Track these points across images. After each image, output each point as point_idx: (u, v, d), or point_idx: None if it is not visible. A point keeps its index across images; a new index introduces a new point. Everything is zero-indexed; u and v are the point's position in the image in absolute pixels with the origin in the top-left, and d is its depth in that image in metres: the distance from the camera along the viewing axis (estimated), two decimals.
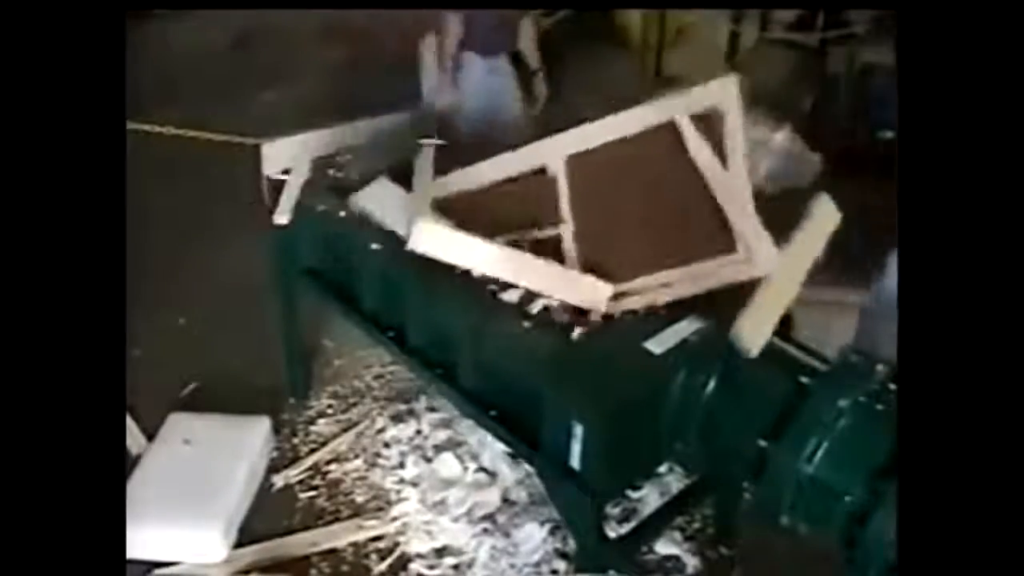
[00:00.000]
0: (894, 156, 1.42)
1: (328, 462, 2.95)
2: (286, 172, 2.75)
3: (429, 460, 2.91)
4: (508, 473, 2.85)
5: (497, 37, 3.63)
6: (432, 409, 3.10)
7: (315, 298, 2.85)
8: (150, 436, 2.89)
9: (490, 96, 3.65)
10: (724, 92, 2.19)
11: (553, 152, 2.30)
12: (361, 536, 2.70)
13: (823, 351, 2.08)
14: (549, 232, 2.29)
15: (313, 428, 3.08)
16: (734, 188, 2.12)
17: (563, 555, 2.60)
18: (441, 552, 2.64)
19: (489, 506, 2.75)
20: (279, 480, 2.87)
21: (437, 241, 2.24)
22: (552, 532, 2.65)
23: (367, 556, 2.65)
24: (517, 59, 3.80)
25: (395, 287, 2.42)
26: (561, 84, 5.14)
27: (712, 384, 1.99)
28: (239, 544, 2.64)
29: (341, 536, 2.70)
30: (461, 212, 2.33)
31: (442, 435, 2.99)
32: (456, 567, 2.60)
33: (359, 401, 3.20)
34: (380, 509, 2.78)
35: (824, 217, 2.22)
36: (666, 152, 2.17)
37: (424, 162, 2.60)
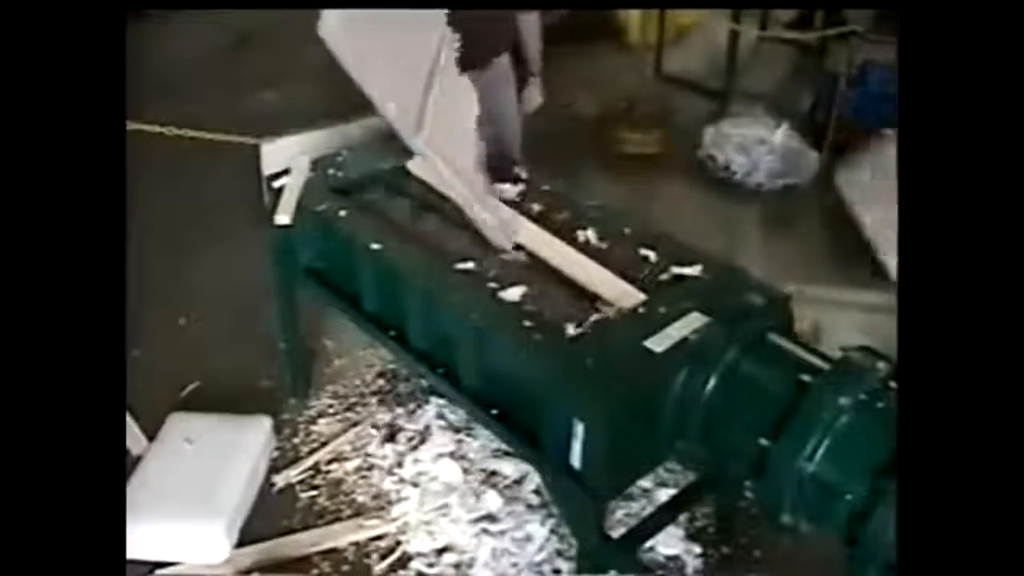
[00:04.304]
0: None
1: (329, 462, 2.95)
2: (286, 172, 2.75)
3: (430, 460, 2.91)
4: (509, 472, 2.85)
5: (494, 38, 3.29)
6: (433, 409, 3.09)
7: (315, 298, 2.86)
8: (150, 436, 2.89)
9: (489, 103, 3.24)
10: None
11: None
12: (362, 535, 2.70)
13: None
14: None
15: (314, 428, 3.08)
16: None
17: (565, 555, 2.60)
18: (442, 552, 2.65)
19: (490, 506, 2.75)
20: (280, 480, 2.87)
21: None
22: (553, 532, 2.65)
23: (368, 556, 2.65)
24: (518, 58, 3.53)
25: (395, 287, 2.42)
26: (561, 83, 5.16)
27: (713, 383, 1.99)
28: (240, 544, 2.64)
29: (342, 535, 2.69)
30: None
31: (443, 435, 2.99)
32: (457, 566, 2.60)
33: (360, 401, 3.20)
34: (381, 508, 2.78)
35: None
36: None
37: None
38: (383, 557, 2.64)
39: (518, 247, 2.47)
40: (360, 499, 2.82)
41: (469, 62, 3.11)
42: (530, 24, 3.35)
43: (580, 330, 2.16)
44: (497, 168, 2.81)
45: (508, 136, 3.35)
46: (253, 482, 2.80)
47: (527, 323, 2.18)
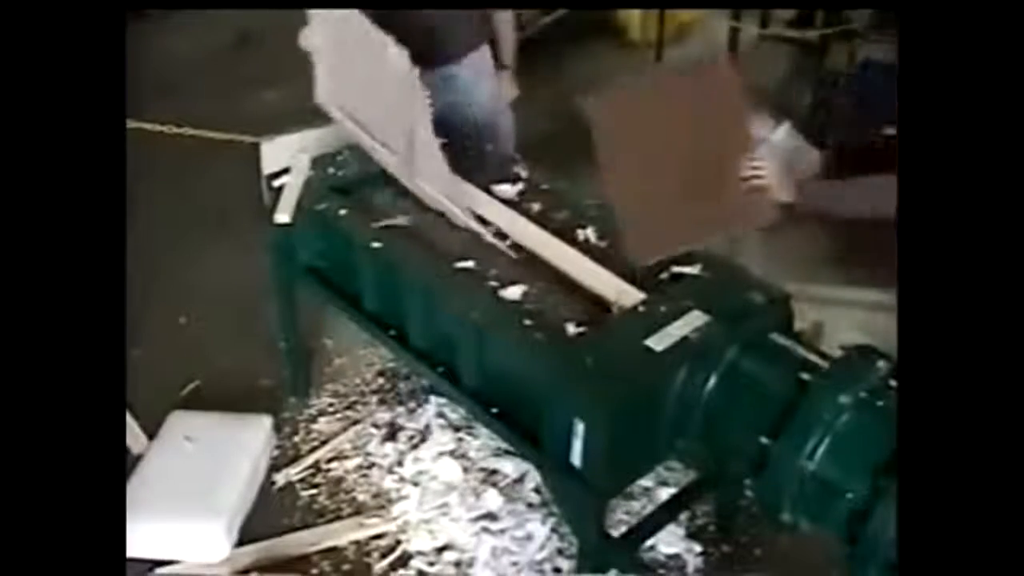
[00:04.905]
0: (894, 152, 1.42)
1: (329, 460, 2.95)
2: (286, 171, 2.75)
3: (430, 458, 2.91)
4: (510, 471, 2.85)
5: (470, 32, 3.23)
6: (433, 407, 3.09)
7: (315, 298, 2.85)
8: (150, 435, 2.89)
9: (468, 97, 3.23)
10: None
11: None
12: (362, 534, 2.70)
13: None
14: None
15: (314, 426, 3.08)
16: None
17: (565, 554, 2.60)
18: (442, 550, 2.64)
19: (491, 505, 2.75)
20: (280, 478, 2.87)
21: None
22: (554, 530, 2.66)
23: (368, 554, 2.65)
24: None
25: (396, 286, 2.42)
26: (561, 82, 5.15)
27: (713, 381, 2.00)
28: (240, 542, 2.65)
29: (342, 534, 2.70)
30: None
31: (443, 433, 2.99)
32: (457, 565, 2.60)
33: (360, 399, 3.20)
34: (381, 507, 2.78)
35: None
36: None
37: None
38: (383, 556, 2.64)
39: (519, 247, 2.47)
40: (360, 498, 2.82)
41: (444, 57, 3.09)
42: (503, 16, 3.31)
43: (580, 329, 2.16)
44: (494, 164, 2.81)
45: (500, 130, 3.33)
46: (253, 481, 2.80)
47: (527, 322, 2.18)
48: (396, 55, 2.35)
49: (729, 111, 2.21)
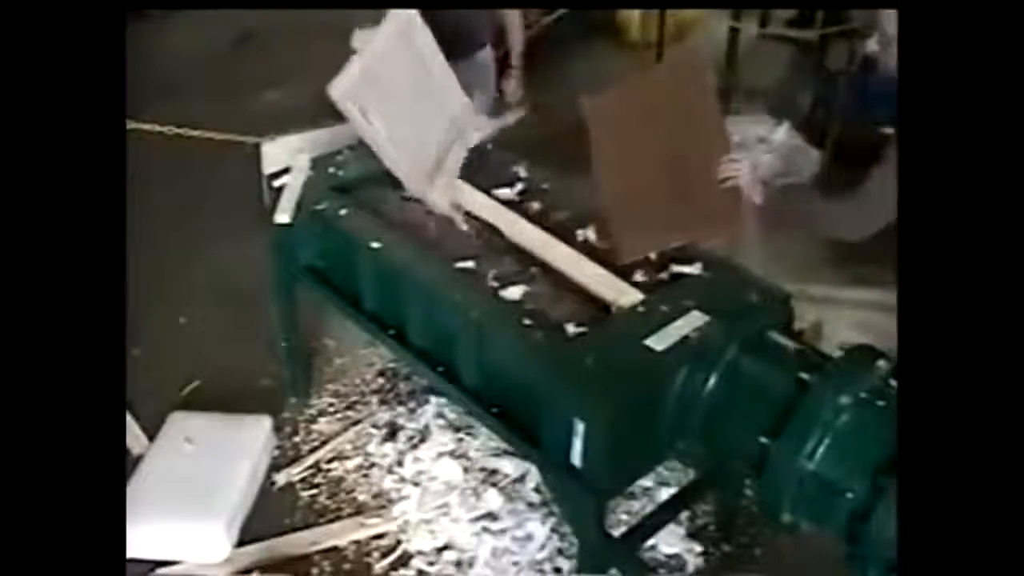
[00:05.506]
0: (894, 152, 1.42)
1: (329, 460, 2.95)
2: (286, 171, 2.75)
3: (430, 458, 2.91)
4: (510, 471, 2.85)
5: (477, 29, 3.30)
6: (433, 407, 3.09)
7: (315, 298, 2.85)
8: (150, 435, 2.89)
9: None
10: None
11: None
12: (363, 534, 2.70)
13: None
14: None
15: (314, 427, 3.08)
16: None
17: (566, 554, 2.60)
18: (443, 550, 2.65)
19: (491, 505, 2.75)
20: (280, 479, 2.88)
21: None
22: (554, 530, 2.66)
23: (369, 554, 2.65)
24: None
25: (396, 286, 2.42)
26: (560, 82, 5.15)
27: (713, 381, 2.00)
28: (241, 543, 2.65)
29: (343, 534, 2.70)
30: None
31: (443, 433, 2.99)
32: (458, 565, 2.60)
33: (360, 399, 3.20)
34: (382, 507, 2.78)
35: None
36: None
37: None
38: (384, 556, 2.64)
39: (519, 249, 2.48)
40: (361, 498, 2.82)
41: (450, 54, 3.11)
42: (512, 16, 3.36)
43: (580, 329, 2.16)
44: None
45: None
46: (253, 481, 2.80)
47: (527, 322, 2.18)
48: (469, 116, 2.60)
49: (702, 110, 2.22)
